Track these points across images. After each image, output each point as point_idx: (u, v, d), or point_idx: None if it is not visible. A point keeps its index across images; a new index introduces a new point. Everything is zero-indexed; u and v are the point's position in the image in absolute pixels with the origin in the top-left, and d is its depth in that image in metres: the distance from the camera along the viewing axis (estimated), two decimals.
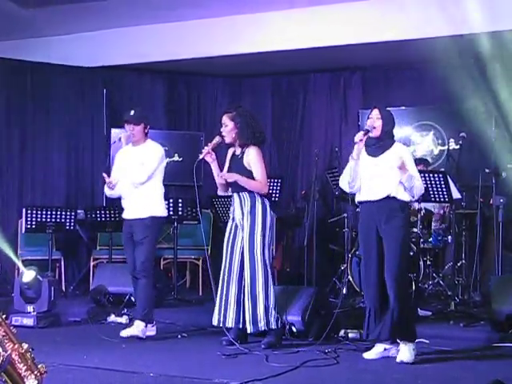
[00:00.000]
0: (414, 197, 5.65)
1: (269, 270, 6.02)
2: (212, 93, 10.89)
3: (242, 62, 9.70)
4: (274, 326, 6.03)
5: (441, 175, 7.20)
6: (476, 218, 7.62)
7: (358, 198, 5.77)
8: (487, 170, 7.58)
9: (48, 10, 8.92)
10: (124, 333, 6.39)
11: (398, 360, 5.50)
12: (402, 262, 5.55)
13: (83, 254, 9.93)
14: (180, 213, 8.57)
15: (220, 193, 6.36)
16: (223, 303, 6.06)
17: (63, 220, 8.51)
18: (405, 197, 5.58)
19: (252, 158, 6.03)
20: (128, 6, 8.89)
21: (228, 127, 6.09)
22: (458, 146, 8.04)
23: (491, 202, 7.44)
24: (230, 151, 6.23)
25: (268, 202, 6.10)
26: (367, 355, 5.67)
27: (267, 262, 6.01)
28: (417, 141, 9.67)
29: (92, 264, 9.28)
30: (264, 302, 5.97)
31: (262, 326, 5.99)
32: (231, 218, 6.19)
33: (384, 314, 5.59)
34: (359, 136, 5.64)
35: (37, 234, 8.73)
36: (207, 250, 9.52)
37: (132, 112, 6.56)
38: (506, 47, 8.42)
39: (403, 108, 9.78)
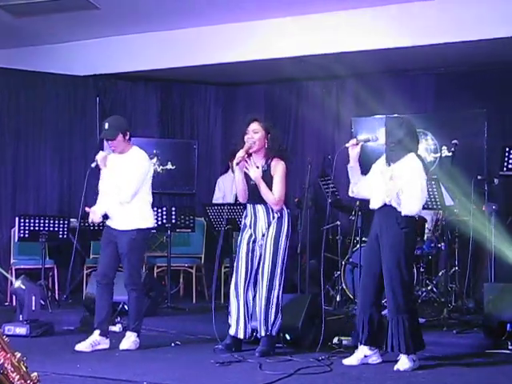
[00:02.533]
0: (401, 212, 5.51)
1: (284, 277, 6.07)
2: (205, 101, 10.90)
3: (235, 70, 9.71)
4: (274, 333, 6.05)
5: (433, 183, 7.21)
6: (468, 225, 7.62)
7: (371, 205, 5.78)
8: (479, 177, 7.60)
9: (40, 19, 8.92)
10: (121, 346, 6.38)
11: (395, 368, 5.50)
12: (401, 274, 5.51)
13: (76, 263, 9.86)
14: (173, 221, 8.56)
15: (241, 200, 6.26)
16: (235, 313, 6.08)
17: (56, 229, 8.50)
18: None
19: (278, 171, 6.01)
20: (121, 14, 8.90)
21: (258, 134, 6.03)
22: (450, 154, 8.04)
23: (484, 208, 7.45)
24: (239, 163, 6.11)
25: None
26: (347, 361, 5.67)
27: (284, 270, 6.05)
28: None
29: (85, 272, 9.26)
30: (276, 308, 6.02)
31: (272, 329, 6.03)
32: (249, 230, 6.12)
33: (374, 322, 5.60)
34: (350, 142, 5.68)
35: (30, 242, 8.71)
36: (201, 258, 9.53)
37: (106, 125, 6.37)
38: (498, 55, 8.47)
39: (395, 116, 9.79)
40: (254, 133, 6.03)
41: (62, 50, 9.85)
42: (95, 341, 6.34)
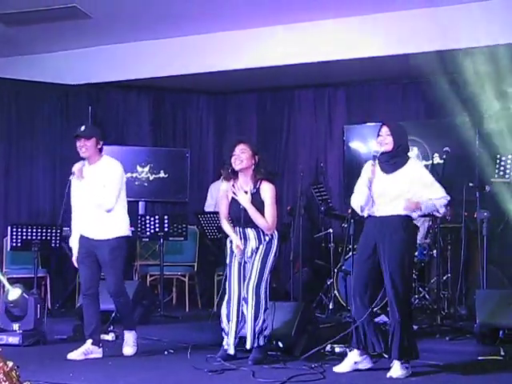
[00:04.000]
0: (438, 211, 5.63)
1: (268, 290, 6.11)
2: (197, 110, 10.91)
3: (227, 78, 9.73)
4: (262, 343, 6.06)
5: None
6: (461, 232, 7.65)
7: (365, 213, 5.75)
8: (471, 184, 7.61)
9: (32, 28, 8.93)
10: (124, 353, 6.42)
11: (388, 375, 5.50)
12: (404, 283, 5.53)
13: (69, 272, 9.85)
14: (166, 229, 8.55)
15: (222, 219, 6.24)
16: (228, 327, 6.10)
17: (49, 238, 8.47)
18: (413, 215, 5.58)
19: (268, 194, 6.01)
20: (113, 23, 8.92)
21: (245, 154, 6.02)
22: (442, 161, 8.06)
23: (475, 216, 7.47)
24: (226, 186, 6.13)
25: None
26: (338, 369, 5.67)
27: (268, 286, 6.08)
28: None
29: (78, 281, 9.21)
30: (263, 321, 6.04)
31: (259, 341, 6.03)
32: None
33: (366, 328, 5.61)
34: (370, 170, 5.59)
35: (22, 251, 8.68)
36: (193, 266, 9.52)
37: (82, 127, 6.38)
38: (490, 62, 8.48)
39: (396, 122, 9.81)
40: (241, 152, 6.03)
41: (54, 59, 9.87)
42: (87, 350, 6.34)
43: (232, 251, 6.13)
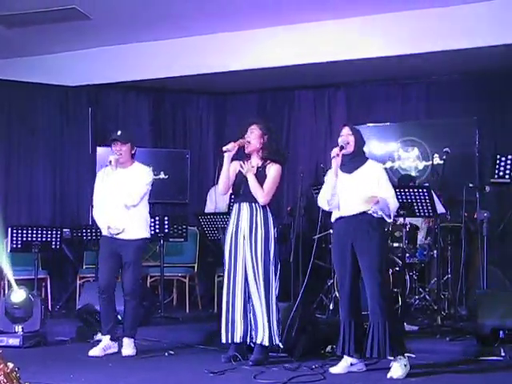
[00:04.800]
0: (390, 217, 5.64)
1: (278, 284, 6.07)
2: (197, 110, 10.92)
3: (227, 79, 9.73)
4: (277, 343, 6.04)
5: (425, 190, 7.24)
6: (461, 232, 7.65)
7: (333, 217, 5.79)
8: (471, 185, 7.63)
9: (32, 30, 8.93)
10: (124, 353, 6.48)
11: (388, 376, 5.51)
12: (382, 278, 5.58)
13: (69, 273, 9.90)
14: (166, 230, 8.55)
15: (220, 191, 6.22)
16: (230, 319, 6.05)
17: (49, 239, 8.47)
18: (385, 217, 5.62)
19: (272, 173, 6.03)
20: (112, 24, 8.92)
21: (254, 133, 6.08)
22: (442, 161, 8.08)
23: (476, 216, 7.48)
24: (236, 164, 6.15)
25: None
26: (334, 370, 5.69)
27: (277, 276, 6.05)
28: (401, 156, 9.73)
29: (78, 283, 9.25)
30: (276, 316, 6.02)
31: (274, 340, 6.01)
32: (231, 230, 6.13)
33: (358, 331, 5.63)
34: (335, 151, 5.68)
35: (22, 253, 8.69)
36: (194, 267, 9.53)
37: (119, 132, 6.57)
38: (493, 62, 8.51)
39: (388, 124, 9.85)
40: (251, 132, 6.08)
41: (53, 61, 9.87)
42: (106, 345, 6.53)
43: (231, 248, 6.09)
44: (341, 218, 5.71)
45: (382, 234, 5.72)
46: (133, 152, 6.56)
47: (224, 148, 6.01)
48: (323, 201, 5.79)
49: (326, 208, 5.80)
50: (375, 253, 5.56)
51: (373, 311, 5.56)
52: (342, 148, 5.68)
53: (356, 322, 5.67)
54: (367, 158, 5.81)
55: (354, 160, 5.72)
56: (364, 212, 5.59)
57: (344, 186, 5.67)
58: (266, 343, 6.01)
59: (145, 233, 6.59)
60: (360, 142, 5.78)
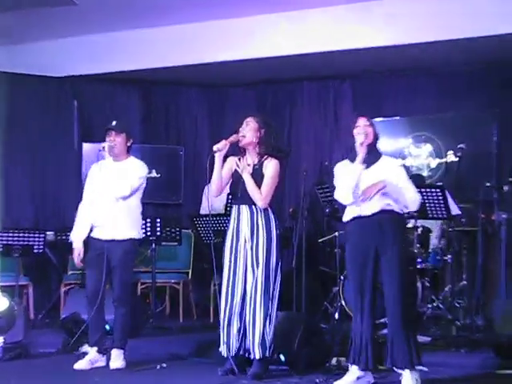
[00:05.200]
0: (406, 207, 5.65)
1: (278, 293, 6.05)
2: (191, 104, 10.91)
3: (224, 70, 9.73)
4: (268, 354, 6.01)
5: (438, 190, 7.23)
6: (477, 235, 7.65)
7: (347, 216, 5.75)
8: (488, 184, 7.62)
9: (12, 15, 8.89)
10: (111, 366, 6.41)
11: None
12: (406, 283, 5.55)
13: (53, 279, 9.88)
14: (158, 233, 8.55)
15: (213, 194, 6.19)
16: (228, 329, 6.02)
17: (31, 243, 8.46)
18: (401, 210, 5.61)
19: (270, 169, 5.99)
20: (100, 11, 8.90)
21: (250, 126, 6.06)
22: (456, 159, 8.06)
23: (493, 217, 7.47)
24: (232, 161, 6.15)
25: None
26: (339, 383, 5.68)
27: (277, 282, 6.04)
28: (412, 153, 9.72)
29: (63, 290, 9.23)
30: (273, 327, 5.98)
31: (269, 351, 5.98)
32: (231, 233, 6.12)
33: (375, 341, 5.61)
34: (361, 138, 5.61)
35: (3, 258, 8.66)
36: (188, 273, 9.52)
37: (114, 122, 6.55)
38: (506, 52, 8.50)
39: (397, 118, 9.84)
40: (246, 125, 6.06)
41: (35, 49, 9.85)
42: (93, 358, 6.43)
43: (231, 253, 6.07)
44: (358, 217, 5.67)
45: (403, 234, 5.72)
46: (128, 144, 6.54)
47: (214, 148, 5.98)
48: (346, 193, 5.62)
49: (350, 200, 5.63)
50: (399, 256, 5.51)
51: (395, 319, 5.50)
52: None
53: (374, 332, 5.63)
54: (381, 154, 5.77)
55: (371, 154, 5.67)
56: (383, 210, 5.55)
57: (362, 181, 5.59)
58: (266, 355, 5.99)
59: (135, 233, 6.51)
60: (377, 134, 5.74)
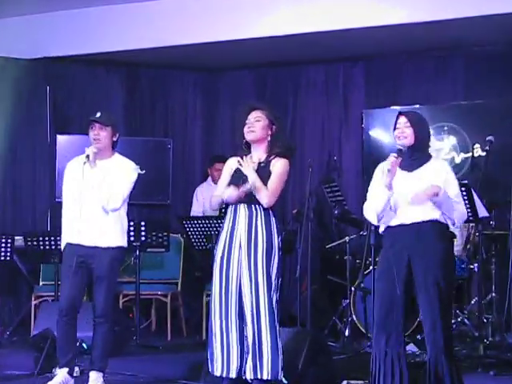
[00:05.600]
0: (453, 223, 5.62)
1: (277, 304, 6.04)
2: (181, 90, 10.91)
3: (218, 51, 9.73)
4: (281, 377, 6.00)
5: (463, 189, 7.22)
6: (508, 241, 7.64)
7: (385, 225, 5.73)
8: None
9: None
10: None
11: None
12: (447, 303, 5.55)
13: (22, 291, 9.88)
14: (143, 238, 8.54)
15: (213, 207, 6.22)
16: (225, 347, 6.01)
17: None
18: (448, 222, 5.58)
19: (278, 167, 5.98)
20: None
21: (261, 123, 6.03)
22: (484, 153, 8.06)
23: None
24: (233, 161, 6.14)
25: None
26: None
27: (277, 294, 6.02)
28: (434, 147, 9.69)
29: (34, 303, 9.22)
30: (277, 342, 5.96)
31: (277, 374, 5.96)
32: (225, 237, 6.11)
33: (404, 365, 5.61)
34: (390, 162, 5.53)
35: None
36: (177, 284, 9.51)
37: (99, 113, 6.47)
38: None
39: (417, 107, 9.81)
40: (256, 121, 6.04)
41: (1, 27, 9.83)
42: (64, 380, 6.36)
43: (222, 260, 6.07)
44: (398, 226, 5.64)
45: (448, 246, 5.64)
46: (114, 139, 6.49)
47: (225, 196, 5.98)
48: (373, 215, 5.67)
49: (376, 223, 5.72)
50: (439, 271, 5.49)
51: (434, 343, 5.49)
52: (400, 153, 5.59)
53: (399, 355, 5.61)
54: (430, 156, 5.73)
55: (416, 156, 5.63)
56: (429, 221, 5.51)
57: (403, 186, 5.56)
58: (266, 377, 5.98)
59: (122, 240, 6.50)
60: (422, 133, 5.66)
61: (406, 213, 5.58)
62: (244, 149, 6.13)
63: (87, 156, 6.31)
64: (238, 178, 6.03)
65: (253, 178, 5.93)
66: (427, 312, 5.53)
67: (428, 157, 5.69)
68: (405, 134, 5.62)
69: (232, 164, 6.14)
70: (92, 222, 6.36)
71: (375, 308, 5.80)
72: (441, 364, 5.46)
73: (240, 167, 6.04)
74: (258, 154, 6.09)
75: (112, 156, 6.51)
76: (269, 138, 6.06)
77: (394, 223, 5.63)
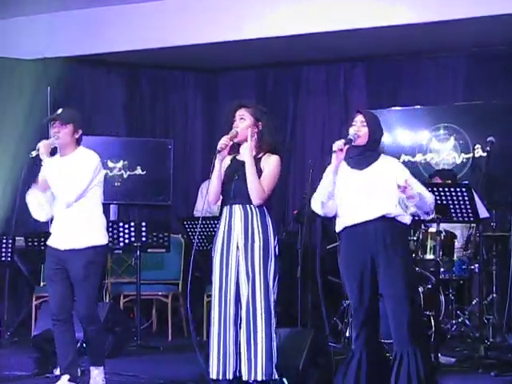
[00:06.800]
0: (429, 214, 5.67)
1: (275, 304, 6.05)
2: (182, 90, 10.92)
3: (219, 52, 9.74)
4: (275, 377, 6.00)
5: (464, 189, 7.22)
6: (509, 241, 7.65)
7: (339, 226, 5.77)
8: None
9: None
10: None
11: None
12: (411, 299, 5.56)
13: (23, 292, 9.89)
14: (144, 239, 8.54)
15: (211, 201, 6.15)
16: (222, 349, 6.02)
17: None
18: (405, 219, 5.61)
19: (271, 165, 5.98)
20: None
21: (245, 123, 6.01)
22: (485, 154, 8.08)
23: None
24: (225, 159, 6.12)
25: None
26: None
27: (275, 295, 6.03)
28: (435, 147, 9.72)
29: (34, 304, 9.23)
30: (271, 344, 5.97)
31: (274, 375, 5.97)
32: (222, 239, 6.12)
33: (373, 364, 5.63)
34: (339, 144, 5.62)
35: None
36: (178, 284, 9.52)
37: (60, 110, 6.37)
38: None
39: (418, 107, 9.84)
40: (240, 119, 6.04)
41: (2, 28, 9.84)
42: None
43: (221, 261, 6.07)
44: (352, 226, 5.68)
45: (406, 244, 5.75)
46: (77, 136, 6.32)
47: (218, 147, 5.97)
48: (317, 203, 5.78)
49: (320, 212, 5.79)
50: (401, 269, 5.53)
51: (399, 340, 5.53)
52: (349, 142, 5.64)
53: (371, 353, 5.64)
54: (380, 154, 5.79)
55: (366, 154, 5.70)
56: (383, 217, 5.56)
57: (353, 185, 5.63)
58: (261, 378, 5.98)
59: (97, 239, 6.30)
60: (376, 134, 5.75)
61: (359, 211, 5.62)
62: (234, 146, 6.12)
63: (38, 149, 6.18)
64: (230, 177, 6.05)
65: (250, 166, 5.95)
66: (392, 311, 5.55)
67: (377, 155, 5.76)
68: (360, 133, 5.68)
69: (224, 163, 6.14)
70: (63, 223, 6.27)
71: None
72: (406, 360, 5.46)
73: (238, 158, 6.05)
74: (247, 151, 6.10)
75: (74, 150, 6.33)
76: (255, 136, 6.06)
77: (349, 222, 5.66)
